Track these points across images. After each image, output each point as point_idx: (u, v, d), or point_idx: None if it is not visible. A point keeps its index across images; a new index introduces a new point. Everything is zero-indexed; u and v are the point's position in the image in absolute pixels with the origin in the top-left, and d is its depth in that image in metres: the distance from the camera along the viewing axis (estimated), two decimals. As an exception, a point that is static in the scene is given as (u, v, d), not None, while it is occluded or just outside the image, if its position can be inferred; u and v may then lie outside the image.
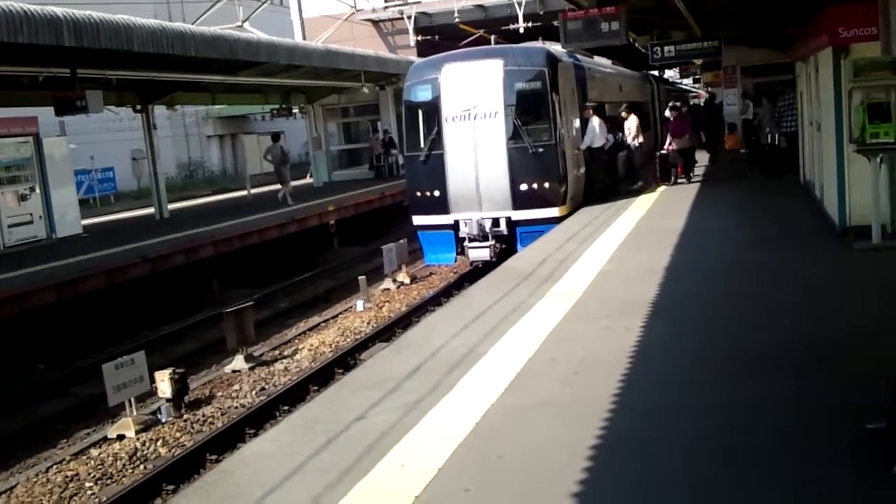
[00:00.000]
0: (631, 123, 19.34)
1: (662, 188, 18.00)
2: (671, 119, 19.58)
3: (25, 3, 13.43)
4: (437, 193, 15.31)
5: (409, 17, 35.52)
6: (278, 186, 23.93)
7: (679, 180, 18.70)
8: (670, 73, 47.22)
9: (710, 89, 36.56)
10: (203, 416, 9.85)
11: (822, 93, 11.98)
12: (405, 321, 13.35)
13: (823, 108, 11.96)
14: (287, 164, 23.70)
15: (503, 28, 33.41)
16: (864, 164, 10.08)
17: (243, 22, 26.28)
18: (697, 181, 18.95)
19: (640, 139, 19.79)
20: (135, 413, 9.54)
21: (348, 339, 12.79)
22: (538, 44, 19.70)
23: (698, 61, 27.12)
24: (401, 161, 25.79)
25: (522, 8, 32.62)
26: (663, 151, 19.33)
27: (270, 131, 31.49)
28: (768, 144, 19.20)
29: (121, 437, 9.26)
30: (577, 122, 16.73)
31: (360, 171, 30.73)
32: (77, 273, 13.71)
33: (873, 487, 4.21)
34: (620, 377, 6.10)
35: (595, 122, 16.82)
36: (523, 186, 14.94)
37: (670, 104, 23.27)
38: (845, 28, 10.30)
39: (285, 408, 9.86)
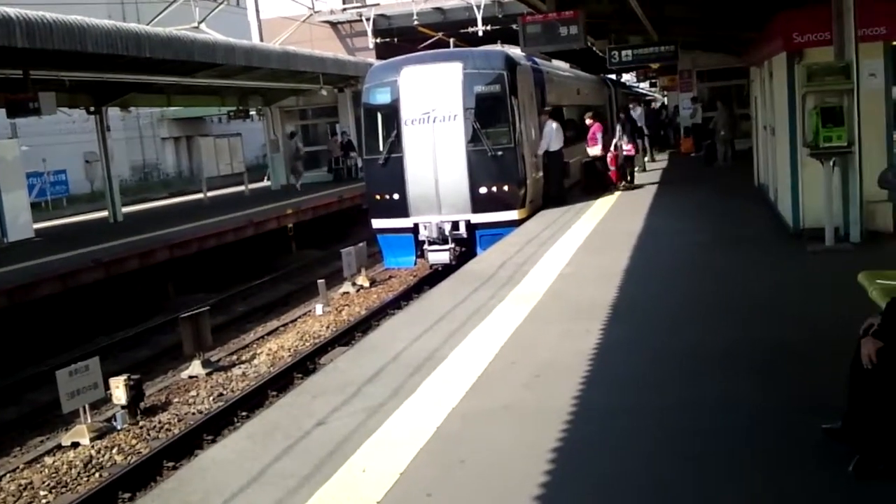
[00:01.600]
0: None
1: (619, 193, 18.09)
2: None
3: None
4: (396, 196, 15.26)
5: (367, 20, 35.42)
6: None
7: (622, 187, 18.32)
8: (627, 77, 47.65)
9: (665, 93, 37.02)
10: (159, 422, 9.71)
11: (777, 97, 12.16)
12: (365, 325, 13.31)
13: (777, 113, 12.14)
14: (300, 158, 28.08)
15: (462, 31, 33.47)
16: (818, 168, 10.25)
17: (200, 23, 25.98)
18: (653, 184, 19.12)
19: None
20: (89, 420, 9.36)
21: (307, 344, 12.70)
22: (497, 47, 19.76)
23: (655, 65, 27.42)
24: (360, 164, 25.72)
25: (481, 11, 32.71)
26: (588, 159, 19.02)
27: (227, 133, 31.23)
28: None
29: (75, 445, 9.09)
30: (535, 126, 16.78)
31: (319, 174, 30.52)
32: (29, 278, 13.45)
33: (832, 486, 4.26)
34: (581, 380, 6.12)
35: (552, 125, 16.88)
36: (482, 189, 14.96)
37: (630, 106, 23.45)
38: (799, 33, 10.47)
39: (244, 414, 9.78)
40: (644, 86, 52.99)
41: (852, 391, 4.41)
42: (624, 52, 17.82)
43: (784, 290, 8.70)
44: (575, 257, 11.16)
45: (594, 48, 20.98)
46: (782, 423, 5.07)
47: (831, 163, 10.08)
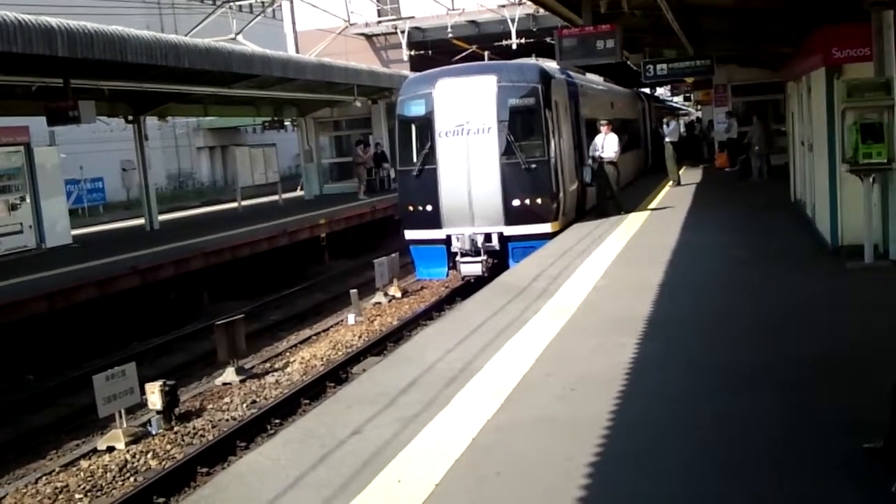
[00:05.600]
0: None
1: (651, 208, 18.00)
2: None
3: (20, 13, 13.42)
4: (429, 208, 15.28)
5: (402, 32, 35.64)
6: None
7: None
8: (661, 91, 47.47)
9: (699, 108, 36.79)
10: (193, 428, 9.79)
11: (815, 113, 12.05)
12: (397, 335, 13.34)
13: (816, 128, 12.03)
14: (361, 164, 27.61)
15: (496, 44, 33.58)
16: (857, 184, 10.13)
17: (237, 34, 26.29)
18: (687, 198, 18.96)
19: None
20: (125, 425, 9.47)
21: (340, 353, 12.75)
22: (531, 60, 19.78)
23: (690, 79, 27.27)
24: (392, 175, 25.79)
25: (515, 24, 32.78)
26: None
27: (262, 143, 31.50)
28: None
29: (111, 449, 9.19)
30: (570, 139, 16.73)
31: (352, 185, 30.59)
32: (67, 283, 13.63)
33: (872, 507, 4.22)
34: (616, 393, 6.10)
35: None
36: (516, 202, 14.94)
37: (664, 120, 23.36)
38: (839, 48, 10.37)
39: (277, 421, 9.84)
40: (678, 100, 52.75)
41: (895, 410, 4.35)
42: (659, 66, 17.75)
43: (823, 306, 8.61)
44: (609, 270, 11.12)
45: (629, 62, 20.93)
46: (821, 442, 5.02)
47: (871, 179, 9.97)
